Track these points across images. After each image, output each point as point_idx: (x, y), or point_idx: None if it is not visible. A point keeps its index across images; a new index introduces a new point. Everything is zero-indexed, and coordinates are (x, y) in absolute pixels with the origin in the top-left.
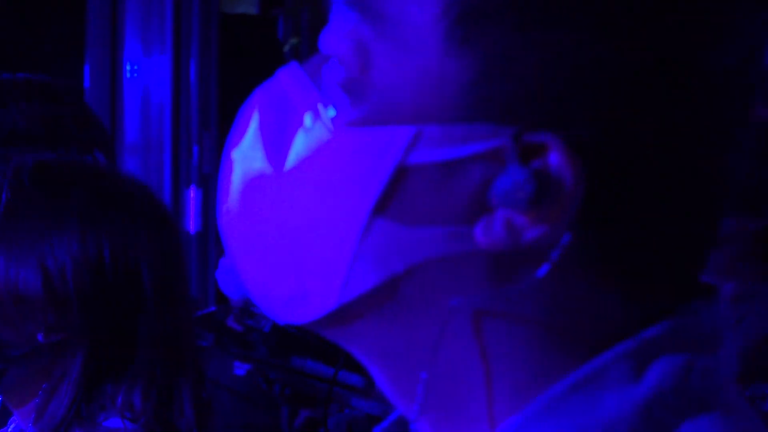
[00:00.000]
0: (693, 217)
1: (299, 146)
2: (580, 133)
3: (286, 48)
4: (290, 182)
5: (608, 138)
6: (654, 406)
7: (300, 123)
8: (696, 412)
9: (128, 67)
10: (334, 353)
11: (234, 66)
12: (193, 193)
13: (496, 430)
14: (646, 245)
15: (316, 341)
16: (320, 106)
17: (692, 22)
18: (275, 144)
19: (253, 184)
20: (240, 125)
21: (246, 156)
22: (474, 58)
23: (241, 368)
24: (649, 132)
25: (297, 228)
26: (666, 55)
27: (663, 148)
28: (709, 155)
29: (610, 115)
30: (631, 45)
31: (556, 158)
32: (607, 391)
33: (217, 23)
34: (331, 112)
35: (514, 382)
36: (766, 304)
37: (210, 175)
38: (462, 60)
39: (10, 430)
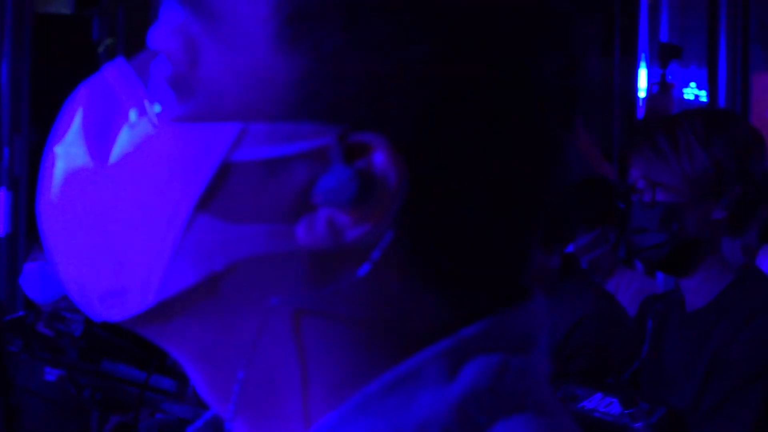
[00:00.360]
0: (512, 220)
1: (123, 141)
2: (404, 134)
3: (101, 48)
4: (113, 177)
5: (430, 139)
6: (468, 405)
7: (125, 118)
8: (509, 411)
9: None
10: (146, 357)
11: (47, 66)
12: (2, 196)
13: (310, 428)
14: (466, 246)
15: (128, 345)
16: (146, 102)
17: (513, 27)
18: (99, 139)
19: (75, 179)
20: (64, 120)
21: (68, 151)
22: (302, 56)
23: (51, 374)
24: (469, 135)
25: (118, 223)
26: (487, 59)
27: (483, 152)
28: (530, 161)
29: (431, 116)
30: (451, 47)
31: (380, 158)
32: (422, 389)
33: (30, 23)
34: (157, 108)
35: (331, 381)
36: (567, 300)
37: (20, 177)
38: (290, 58)
39: None
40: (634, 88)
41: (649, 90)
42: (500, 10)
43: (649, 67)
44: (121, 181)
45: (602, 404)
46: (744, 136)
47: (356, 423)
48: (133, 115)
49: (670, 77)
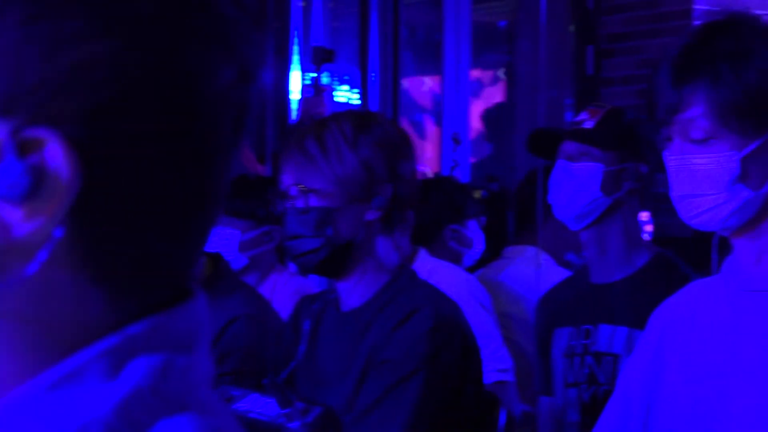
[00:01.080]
0: (179, 223)
1: None
2: (78, 131)
3: None
4: None
5: (103, 138)
6: (131, 404)
7: None
8: (172, 411)
9: None
10: None
11: None
12: None
13: None
14: (132, 248)
15: None
16: None
17: (187, 35)
18: None
19: None
20: None
21: None
22: None
23: None
24: (140, 138)
25: None
26: (159, 65)
27: (153, 156)
28: (199, 167)
29: (104, 116)
30: (125, 51)
31: (53, 154)
32: (85, 389)
33: None
34: None
35: None
36: (216, 301)
37: None
38: None
39: None
40: (287, 90)
41: (302, 93)
42: (175, 19)
43: (302, 70)
44: None
45: (258, 405)
46: (391, 136)
47: (16, 422)
48: None
49: (323, 80)
